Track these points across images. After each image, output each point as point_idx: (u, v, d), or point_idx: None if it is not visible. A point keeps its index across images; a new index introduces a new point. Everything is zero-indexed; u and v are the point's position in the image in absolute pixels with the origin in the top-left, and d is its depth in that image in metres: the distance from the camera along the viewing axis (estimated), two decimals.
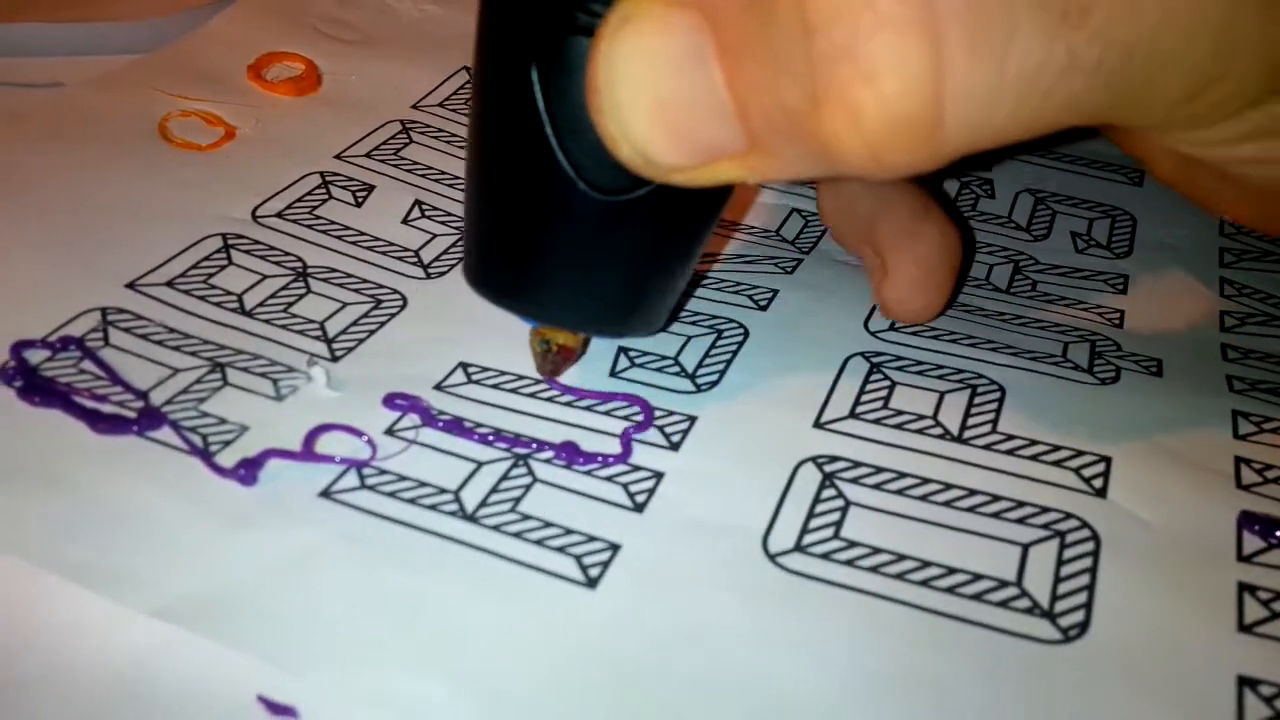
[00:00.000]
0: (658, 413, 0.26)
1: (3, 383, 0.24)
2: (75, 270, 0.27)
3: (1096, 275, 0.33)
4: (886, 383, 0.27)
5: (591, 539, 0.23)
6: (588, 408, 0.26)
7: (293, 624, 0.21)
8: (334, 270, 0.29)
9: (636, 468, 0.24)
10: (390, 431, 0.24)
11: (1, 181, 0.30)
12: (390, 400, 0.25)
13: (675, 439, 0.25)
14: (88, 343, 0.25)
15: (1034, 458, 0.25)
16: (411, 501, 0.23)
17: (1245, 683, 0.21)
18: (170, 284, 0.28)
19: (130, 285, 0.27)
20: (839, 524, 0.23)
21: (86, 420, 0.24)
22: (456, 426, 0.25)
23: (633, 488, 0.24)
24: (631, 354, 0.27)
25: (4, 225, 0.28)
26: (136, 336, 0.26)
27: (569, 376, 0.26)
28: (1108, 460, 0.25)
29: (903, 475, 0.25)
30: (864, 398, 0.27)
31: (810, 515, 0.24)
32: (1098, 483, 0.25)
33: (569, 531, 0.23)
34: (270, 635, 0.20)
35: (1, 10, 0.37)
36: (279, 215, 0.31)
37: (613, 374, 0.27)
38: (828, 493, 0.24)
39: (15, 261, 0.27)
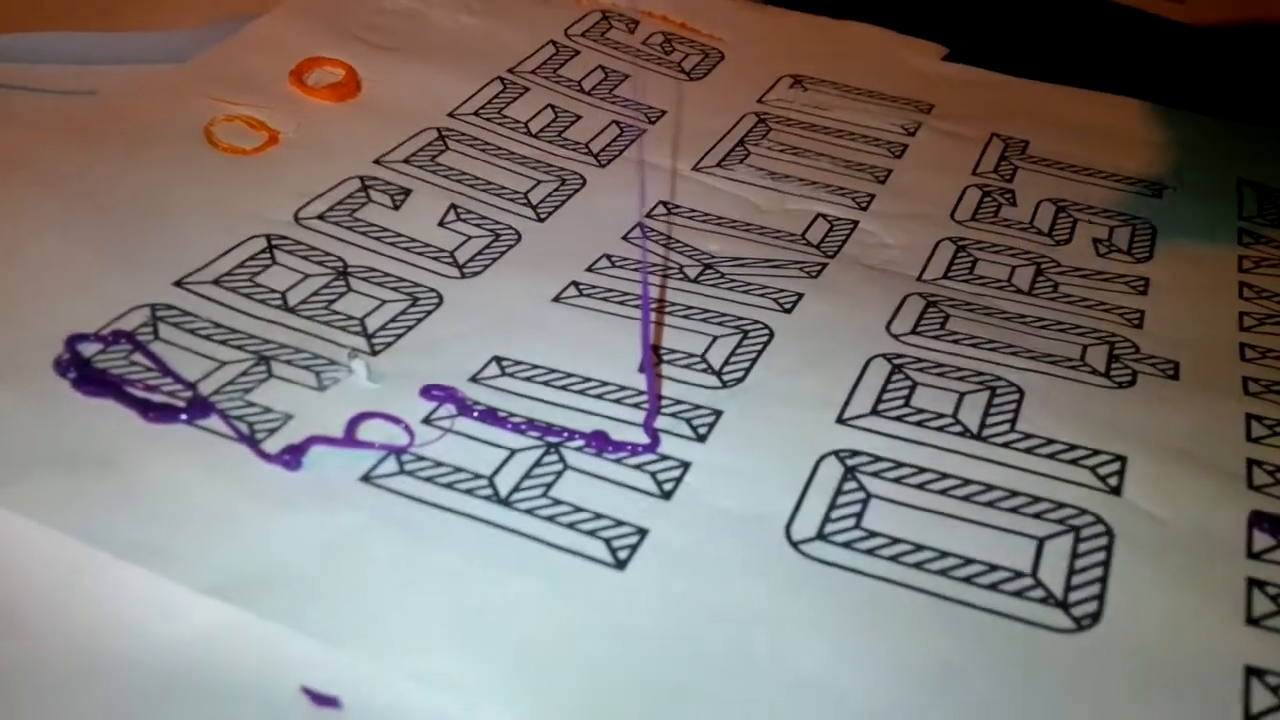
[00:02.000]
0: (683, 405, 0.27)
1: (58, 374, 0.25)
2: (126, 269, 0.28)
3: (1118, 278, 0.33)
4: (908, 383, 0.28)
5: (620, 523, 0.23)
6: (617, 400, 0.27)
7: (336, 602, 0.21)
8: (373, 270, 0.30)
9: (664, 457, 0.25)
10: (427, 420, 0.25)
11: (56, 185, 0.31)
12: (427, 391, 0.26)
13: (702, 431, 0.26)
14: (138, 337, 0.26)
15: (1051, 456, 0.26)
16: (448, 486, 0.24)
17: (1252, 673, 0.22)
18: (217, 282, 0.29)
19: (178, 283, 0.28)
20: (860, 515, 0.24)
21: (138, 409, 0.25)
22: (490, 416, 0.26)
23: (660, 476, 0.25)
24: (660, 351, 0.28)
25: (59, 226, 0.30)
26: (185, 331, 0.27)
27: (594, 367, 0.27)
28: (1123, 460, 0.26)
29: (922, 470, 0.25)
30: (885, 396, 0.27)
31: (832, 506, 0.24)
32: (1113, 481, 0.25)
33: (598, 516, 0.24)
34: (315, 613, 0.21)
35: (38, 19, 0.37)
36: (320, 217, 0.32)
37: (641, 370, 0.27)
38: (849, 485, 0.25)
39: (69, 260, 0.29)
